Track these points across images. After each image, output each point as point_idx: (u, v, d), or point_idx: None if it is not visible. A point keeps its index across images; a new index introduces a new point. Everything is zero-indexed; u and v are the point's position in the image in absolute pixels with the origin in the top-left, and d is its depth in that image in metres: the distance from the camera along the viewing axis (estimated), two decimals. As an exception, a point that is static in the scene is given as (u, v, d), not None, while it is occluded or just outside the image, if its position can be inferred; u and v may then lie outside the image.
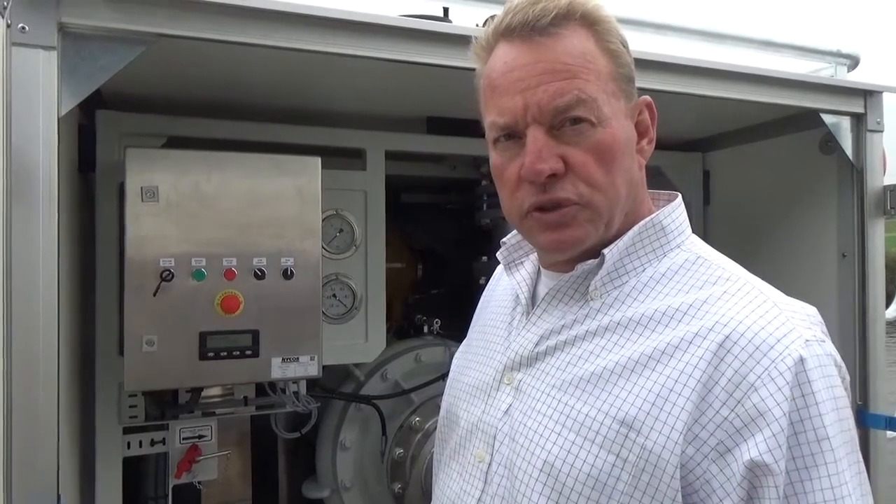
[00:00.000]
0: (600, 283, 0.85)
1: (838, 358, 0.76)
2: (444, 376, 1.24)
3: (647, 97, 0.88)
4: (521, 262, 0.98)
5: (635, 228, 0.85)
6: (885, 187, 1.82)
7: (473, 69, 0.90)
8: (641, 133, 0.87)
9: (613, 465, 0.75)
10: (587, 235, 0.82)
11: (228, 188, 1.58)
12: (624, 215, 0.85)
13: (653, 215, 0.87)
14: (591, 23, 0.82)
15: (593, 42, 0.81)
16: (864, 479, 0.72)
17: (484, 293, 1.13)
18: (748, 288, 0.79)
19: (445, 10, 1.67)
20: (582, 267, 0.85)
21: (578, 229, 0.81)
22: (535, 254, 0.96)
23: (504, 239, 1.00)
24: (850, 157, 1.81)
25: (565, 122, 0.79)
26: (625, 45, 0.85)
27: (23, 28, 1.04)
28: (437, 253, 2.48)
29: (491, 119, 0.84)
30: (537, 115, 0.79)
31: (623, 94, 0.84)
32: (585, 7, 0.82)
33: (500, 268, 1.09)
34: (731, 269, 0.84)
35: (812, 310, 0.79)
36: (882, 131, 1.82)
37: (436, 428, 1.96)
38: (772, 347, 0.72)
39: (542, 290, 0.93)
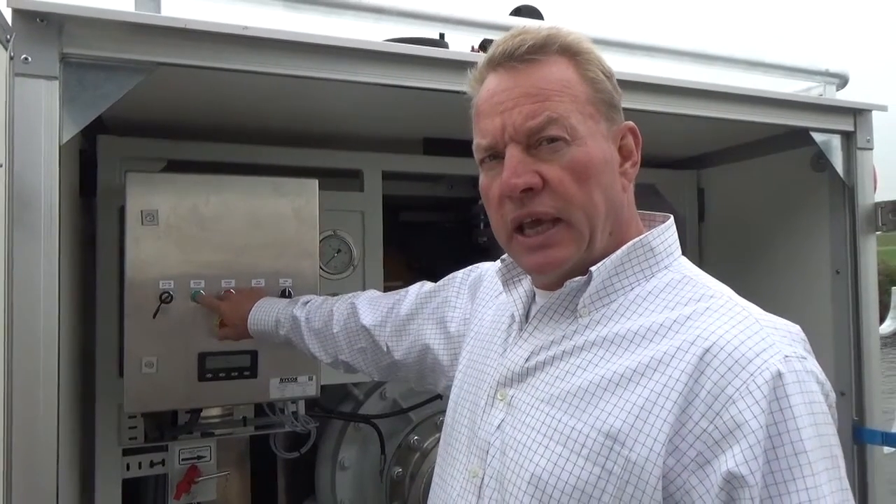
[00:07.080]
0: (589, 301, 0.87)
1: (821, 375, 0.76)
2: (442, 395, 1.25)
3: (631, 122, 0.91)
4: (520, 280, 0.99)
5: (624, 248, 0.87)
6: (876, 204, 1.84)
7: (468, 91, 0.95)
8: (625, 156, 0.90)
9: (599, 476, 0.76)
10: (569, 255, 0.85)
11: (227, 211, 1.60)
12: (608, 234, 0.88)
13: (642, 236, 0.89)
14: (573, 53, 0.87)
15: (573, 70, 0.86)
16: (847, 496, 0.72)
17: (485, 284, 1.16)
18: (731, 305, 0.81)
19: (441, 35, 1.70)
20: (570, 284, 0.87)
21: (561, 250, 0.85)
22: None
23: (504, 256, 1.01)
24: (841, 174, 1.83)
25: (542, 140, 0.83)
26: (607, 75, 0.89)
27: (26, 59, 1.06)
28: (436, 271, 2.48)
29: (476, 141, 0.90)
30: (514, 134, 0.84)
31: (603, 117, 0.87)
32: (566, 39, 0.86)
33: (493, 267, 1.12)
34: (715, 287, 0.85)
35: (795, 327, 0.80)
36: (871, 149, 1.84)
37: (434, 446, 1.98)
38: (750, 361, 0.73)
39: (535, 308, 0.95)
